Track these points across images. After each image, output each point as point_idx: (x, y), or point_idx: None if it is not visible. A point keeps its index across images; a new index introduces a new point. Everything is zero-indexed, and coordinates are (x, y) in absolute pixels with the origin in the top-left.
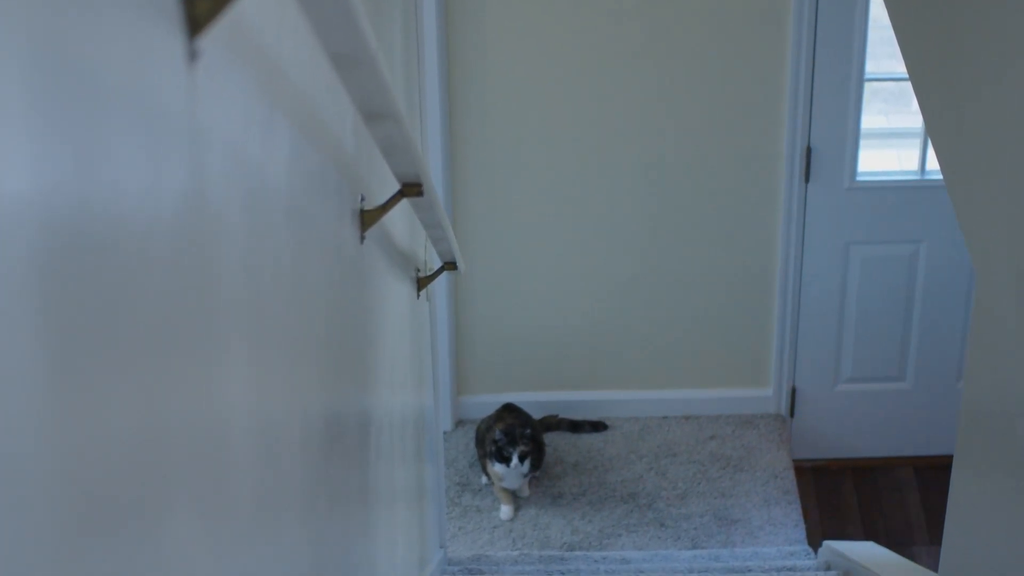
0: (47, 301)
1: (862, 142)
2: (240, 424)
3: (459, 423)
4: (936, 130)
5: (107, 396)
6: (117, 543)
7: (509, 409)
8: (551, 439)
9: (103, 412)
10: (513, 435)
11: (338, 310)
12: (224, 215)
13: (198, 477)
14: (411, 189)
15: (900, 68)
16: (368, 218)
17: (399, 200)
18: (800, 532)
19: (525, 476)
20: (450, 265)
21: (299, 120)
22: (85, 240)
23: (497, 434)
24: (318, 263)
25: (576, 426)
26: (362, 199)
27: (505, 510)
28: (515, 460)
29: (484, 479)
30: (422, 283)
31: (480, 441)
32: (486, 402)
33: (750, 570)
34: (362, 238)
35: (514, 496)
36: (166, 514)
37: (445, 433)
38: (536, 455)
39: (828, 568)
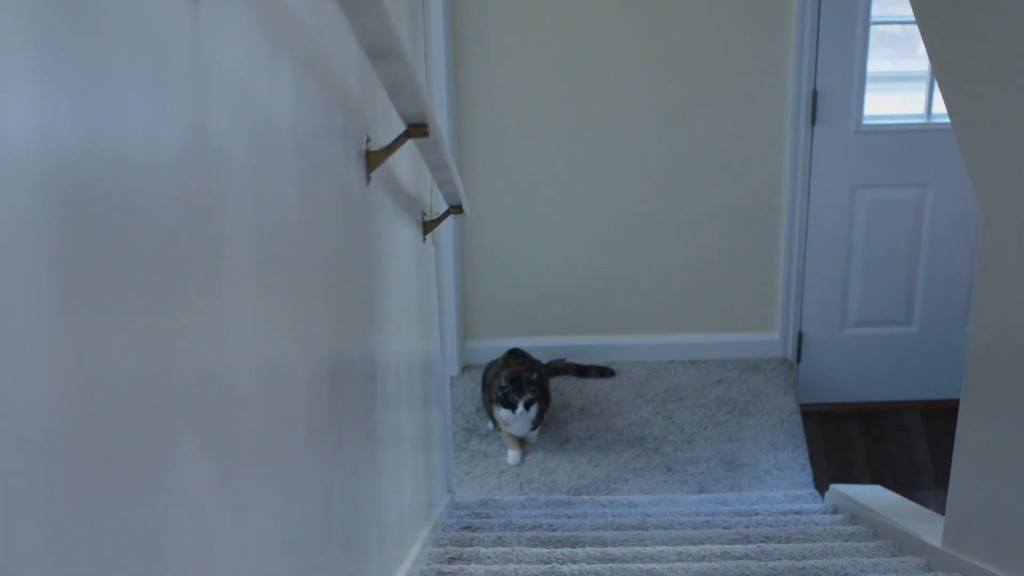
0: (54, 237)
1: (868, 85)
2: (246, 361)
3: (466, 368)
4: (943, 72)
5: (114, 330)
6: (124, 473)
7: (516, 355)
8: (558, 384)
9: (110, 346)
10: (519, 381)
11: (344, 250)
12: (229, 152)
13: (205, 411)
14: (417, 130)
15: (906, 11)
16: (374, 159)
17: (405, 141)
18: (807, 476)
19: (531, 424)
20: (456, 208)
21: (304, 58)
22: (91, 176)
23: (503, 381)
24: (324, 203)
25: (583, 371)
26: (368, 140)
27: (512, 455)
28: (520, 407)
29: (490, 425)
30: (428, 227)
31: (487, 387)
32: (493, 347)
33: (757, 514)
34: (368, 179)
35: (521, 441)
36: (172, 446)
37: (452, 378)
38: (542, 403)
39: (835, 511)
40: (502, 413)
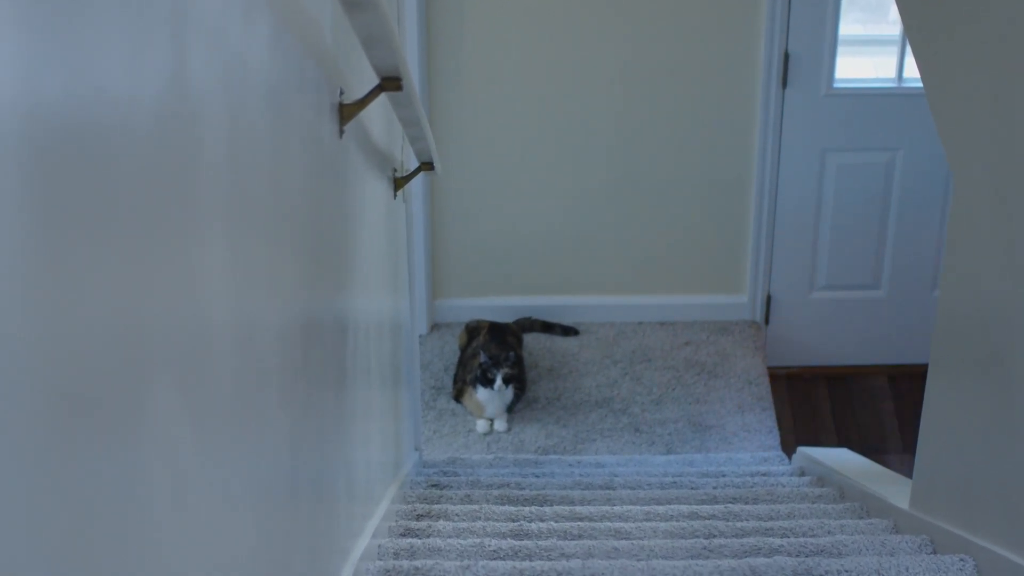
0: (29, 187)
1: (840, 49)
2: (219, 310)
3: (435, 326)
4: (914, 26)
5: (91, 274)
6: (101, 423)
7: (493, 335)
8: (526, 342)
9: (87, 288)
10: (497, 359)
11: (316, 204)
12: (204, 98)
13: (179, 358)
14: (390, 83)
15: None
16: (347, 112)
17: (378, 94)
18: (774, 438)
19: (506, 405)
20: (427, 165)
21: (279, 8)
22: (70, 118)
23: (482, 357)
24: (296, 154)
25: (548, 327)
26: (341, 93)
27: (481, 424)
28: (499, 381)
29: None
30: (399, 183)
31: (463, 364)
32: (462, 306)
33: (724, 475)
34: (341, 132)
35: (491, 421)
36: (148, 391)
37: (421, 336)
38: (519, 386)
39: (802, 474)
40: (479, 394)
